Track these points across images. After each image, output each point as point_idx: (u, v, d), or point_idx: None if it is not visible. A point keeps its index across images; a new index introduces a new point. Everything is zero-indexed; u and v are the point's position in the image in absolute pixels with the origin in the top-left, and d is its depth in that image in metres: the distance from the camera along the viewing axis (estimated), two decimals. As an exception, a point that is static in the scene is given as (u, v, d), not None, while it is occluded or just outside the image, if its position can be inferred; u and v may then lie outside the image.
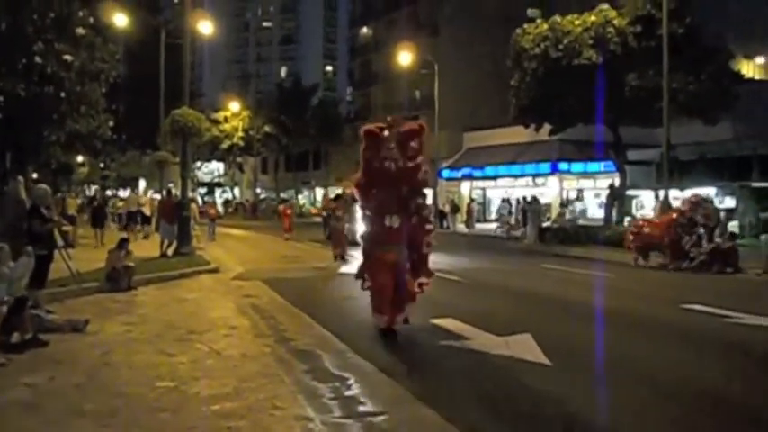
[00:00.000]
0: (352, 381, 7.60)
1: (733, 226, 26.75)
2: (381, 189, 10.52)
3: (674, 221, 21.21)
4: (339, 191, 38.90)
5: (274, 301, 13.82)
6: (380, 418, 6.40)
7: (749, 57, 45.59)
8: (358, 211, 26.67)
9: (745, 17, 43.21)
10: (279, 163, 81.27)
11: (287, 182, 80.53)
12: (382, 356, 8.87)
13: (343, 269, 19.87)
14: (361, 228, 11.92)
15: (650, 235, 21.92)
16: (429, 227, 10.94)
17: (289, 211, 36.32)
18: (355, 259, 18.75)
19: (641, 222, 23.59)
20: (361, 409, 6.67)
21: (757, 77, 44.76)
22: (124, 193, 58.58)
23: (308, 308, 12.59)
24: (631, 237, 22.73)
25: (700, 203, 21.31)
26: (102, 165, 63.23)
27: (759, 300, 15.13)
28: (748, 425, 6.81)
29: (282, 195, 76.50)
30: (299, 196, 79.94)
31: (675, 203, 27.98)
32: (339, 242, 22.92)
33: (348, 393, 7.18)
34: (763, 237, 20.60)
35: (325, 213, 24.76)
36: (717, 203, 33.71)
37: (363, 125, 11.13)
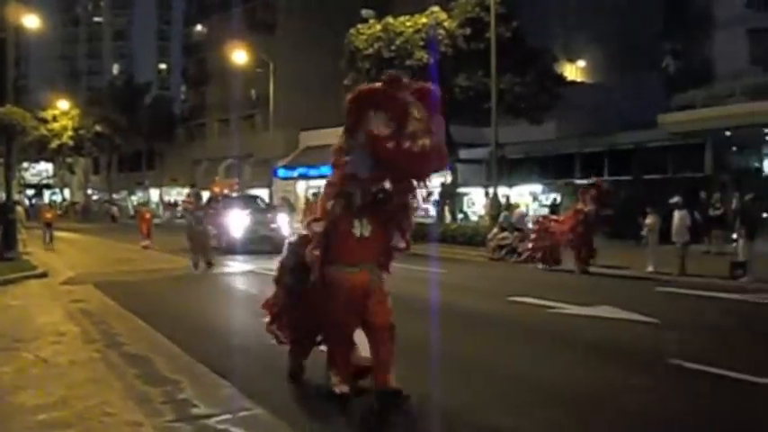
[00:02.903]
0: (185, 383, 7.53)
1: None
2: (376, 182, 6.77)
3: (577, 219, 20.14)
4: (190, 190, 37.45)
5: (105, 306, 13.47)
6: (214, 419, 6.39)
7: (572, 60, 47.83)
8: (229, 215, 25.86)
9: (568, 22, 45.43)
10: (111, 163, 78.60)
11: (120, 182, 78.23)
12: (216, 359, 8.79)
13: (199, 272, 19.69)
14: (285, 231, 10.08)
15: (557, 236, 20.67)
16: (402, 245, 7.50)
17: (148, 215, 32.56)
18: (226, 266, 18.33)
19: (547, 222, 21.76)
20: (194, 411, 6.64)
21: (579, 80, 46.97)
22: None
23: (140, 311, 12.31)
24: (533, 241, 21.56)
25: (586, 191, 20.55)
26: None
27: (579, 291, 16.01)
28: (560, 399, 7.28)
29: (115, 196, 74.36)
30: (133, 197, 77.80)
31: (503, 200, 29.09)
32: (202, 247, 20.96)
33: (181, 396, 7.11)
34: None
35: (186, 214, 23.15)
36: (543, 200, 35.36)
37: (361, 87, 6.86)
